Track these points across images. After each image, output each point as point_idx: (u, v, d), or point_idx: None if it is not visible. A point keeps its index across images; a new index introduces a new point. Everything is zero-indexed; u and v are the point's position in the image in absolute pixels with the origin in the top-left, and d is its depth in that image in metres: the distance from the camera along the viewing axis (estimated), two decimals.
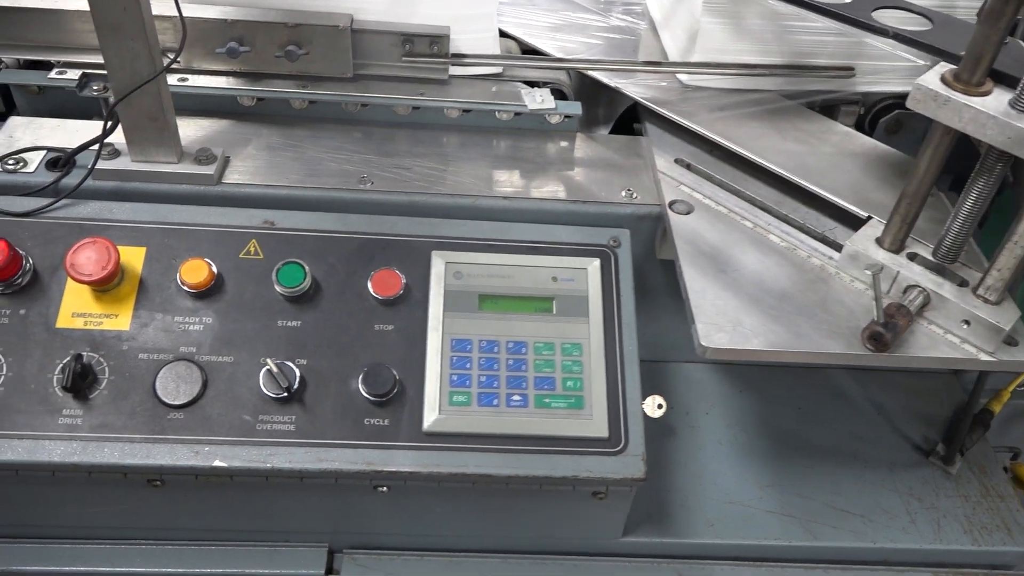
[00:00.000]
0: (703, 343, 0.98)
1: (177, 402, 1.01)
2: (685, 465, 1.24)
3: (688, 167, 1.25)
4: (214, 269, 1.08)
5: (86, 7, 1.01)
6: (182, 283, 1.06)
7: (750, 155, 1.22)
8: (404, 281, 1.09)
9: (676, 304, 1.28)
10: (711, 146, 1.26)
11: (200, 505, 1.07)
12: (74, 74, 1.23)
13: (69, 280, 1.04)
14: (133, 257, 1.09)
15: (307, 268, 1.07)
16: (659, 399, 1.10)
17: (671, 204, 1.17)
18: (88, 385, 1.01)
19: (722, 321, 1.01)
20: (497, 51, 1.31)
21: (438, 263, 1.12)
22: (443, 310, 1.09)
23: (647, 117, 1.33)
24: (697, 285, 1.05)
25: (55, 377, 1.01)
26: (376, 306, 1.09)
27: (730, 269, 1.08)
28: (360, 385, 1.03)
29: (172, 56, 1.09)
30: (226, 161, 1.19)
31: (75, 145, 1.16)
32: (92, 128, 1.22)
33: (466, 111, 1.29)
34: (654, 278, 1.24)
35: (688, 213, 1.16)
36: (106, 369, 1.02)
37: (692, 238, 1.12)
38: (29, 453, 0.98)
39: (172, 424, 1.00)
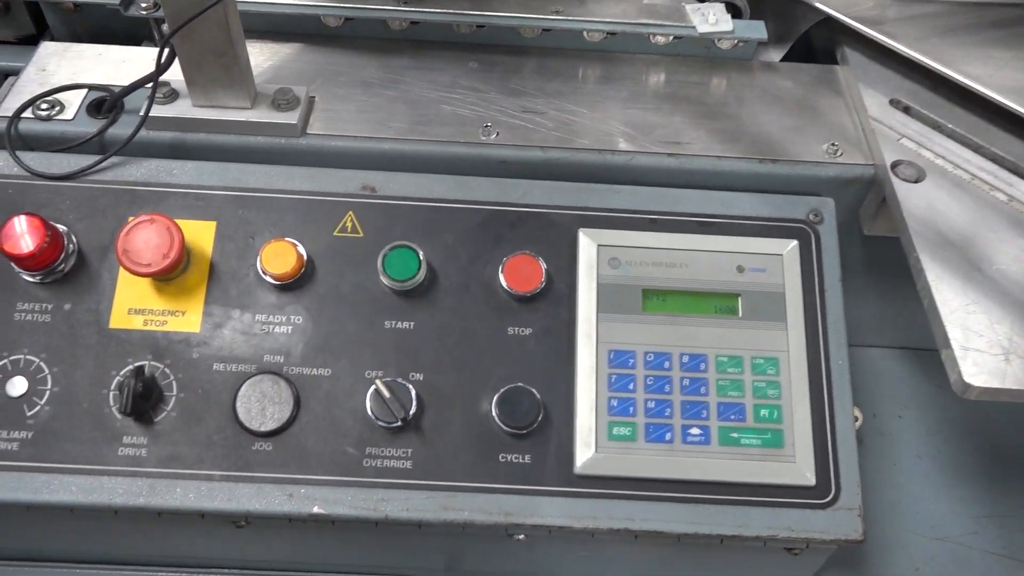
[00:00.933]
0: (968, 381, 0.72)
1: (264, 428, 0.79)
2: (878, 487, 1.00)
3: (908, 111, 0.95)
4: (302, 252, 0.84)
5: None
6: (263, 272, 0.83)
7: (996, 96, 0.91)
8: (545, 270, 0.84)
9: (866, 278, 1.01)
10: (938, 81, 0.95)
11: (292, 543, 0.87)
12: None
13: (120, 267, 0.81)
14: (200, 234, 0.85)
15: (421, 254, 0.83)
16: (854, 410, 0.85)
17: (894, 167, 0.88)
18: (153, 405, 0.80)
19: (986, 345, 0.74)
20: None
21: (588, 246, 0.86)
22: (596, 310, 0.84)
23: (846, 39, 1.02)
24: (945, 290, 0.78)
25: (111, 393, 0.80)
26: (510, 304, 0.84)
27: (985, 264, 0.80)
28: (494, 411, 0.80)
29: None
30: (311, 104, 0.93)
31: (122, 83, 0.91)
32: (142, 57, 0.97)
33: (611, 34, 0.99)
34: (852, 256, 0.97)
35: (918, 180, 0.87)
36: (173, 384, 0.81)
37: (928, 218, 0.84)
38: (85, 493, 0.78)
39: (258, 457, 0.79)
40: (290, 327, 0.83)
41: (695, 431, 0.80)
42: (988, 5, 1.00)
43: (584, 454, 0.79)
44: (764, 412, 0.81)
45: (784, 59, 1.07)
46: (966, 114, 0.94)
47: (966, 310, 0.77)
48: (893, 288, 1.01)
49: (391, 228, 0.86)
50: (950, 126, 0.92)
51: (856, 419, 0.85)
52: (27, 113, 0.90)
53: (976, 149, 0.91)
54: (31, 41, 1.01)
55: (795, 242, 0.87)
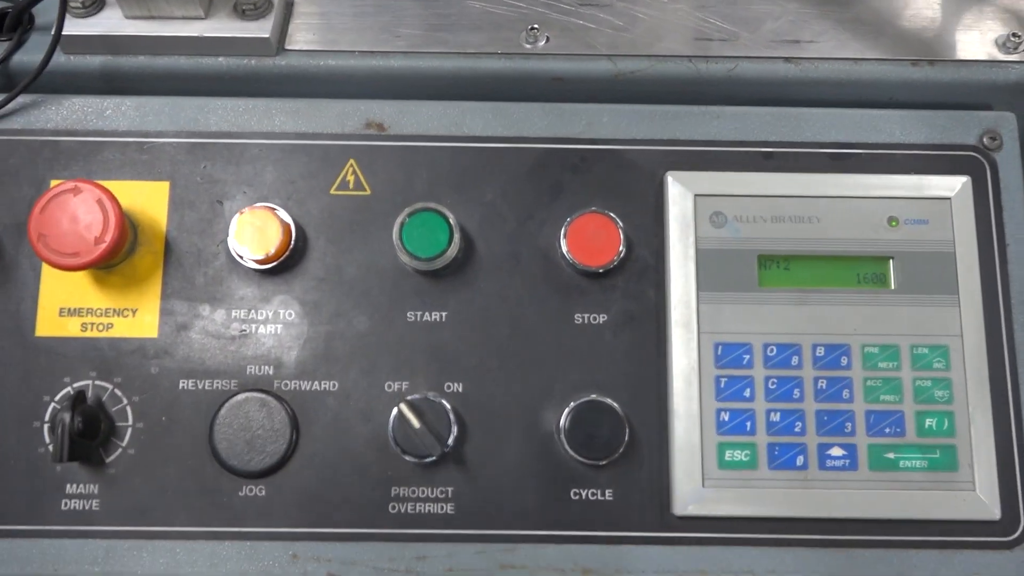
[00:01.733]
0: None
1: (253, 467, 0.59)
2: None
3: None
4: (289, 221, 0.61)
5: None
6: (239, 250, 0.60)
7: None
8: (623, 233, 0.61)
9: None
10: None
11: None
12: None
13: (38, 254, 0.59)
14: (149, 201, 0.62)
15: (452, 219, 0.60)
16: None
17: None
18: (102, 441, 0.59)
19: None
20: None
21: (681, 196, 0.62)
22: (696, 288, 0.61)
23: None
24: None
25: (45, 427, 0.60)
26: (577, 282, 0.62)
27: None
28: (562, 433, 0.59)
29: None
30: (289, 7, 0.67)
31: None
32: None
33: None
34: None
35: None
36: (128, 411, 0.60)
37: None
38: (21, 564, 0.58)
39: (248, 507, 0.59)
40: (279, 326, 0.61)
41: (836, 452, 0.59)
42: None
43: (686, 489, 0.58)
44: (930, 423, 0.59)
45: None
46: None
47: None
48: None
49: (409, 183, 0.63)
50: None
51: None
52: None
53: None
54: None
55: (966, 179, 0.63)
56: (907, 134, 0.64)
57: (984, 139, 0.64)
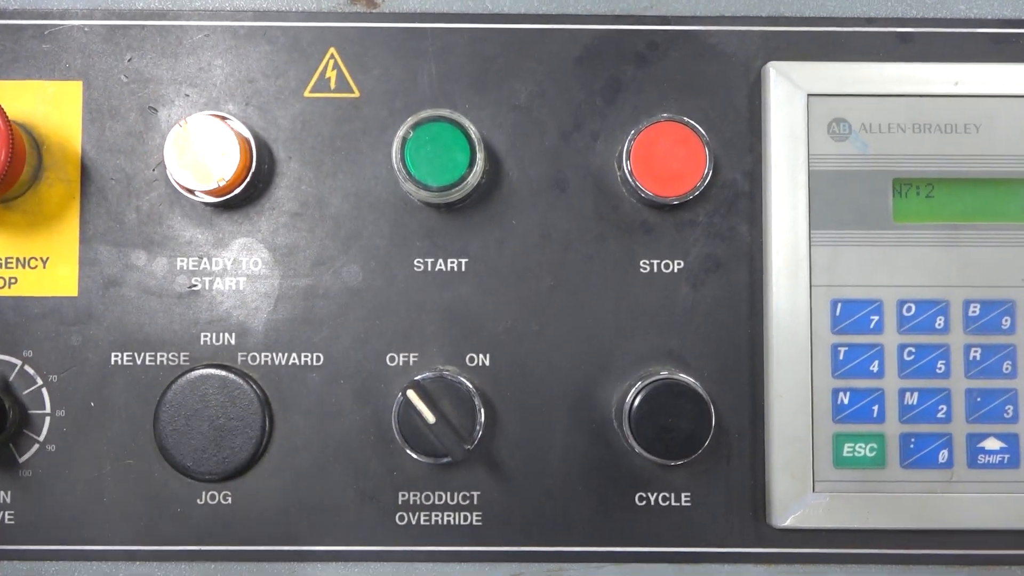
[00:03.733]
0: None
1: (213, 467, 0.44)
2: None
3: None
4: (247, 137, 0.44)
5: None
6: (182, 177, 0.43)
7: None
8: (707, 150, 0.44)
9: None
10: None
11: None
12: None
13: None
14: (57, 109, 0.45)
15: (472, 132, 0.43)
16: None
17: None
18: (12, 436, 0.45)
19: None
20: None
21: (788, 96, 0.45)
22: (809, 224, 0.45)
23: None
24: None
25: None
26: (645, 216, 0.45)
27: None
28: (625, 422, 0.44)
29: None
30: None
31: None
32: None
33: None
34: None
35: None
36: (44, 394, 0.45)
37: None
38: None
39: (209, 519, 0.45)
40: (241, 279, 0.45)
41: (992, 445, 0.44)
42: None
43: (789, 494, 0.44)
44: None
45: None
46: None
47: None
48: None
49: (412, 80, 0.46)
50: None
51: None
52: None
53: None
54: None
55: None
56: None
57: None
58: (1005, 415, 0.44)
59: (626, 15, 0.46)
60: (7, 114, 0.41)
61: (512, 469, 0.45)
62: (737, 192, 0.46)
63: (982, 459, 0.44)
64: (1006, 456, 0.44)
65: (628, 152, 0.44)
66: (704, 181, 0.44)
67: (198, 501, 0.45)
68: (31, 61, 0.45)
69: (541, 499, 0.45)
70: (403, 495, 0.45)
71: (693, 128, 0.44)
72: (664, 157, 0.44)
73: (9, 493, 0.45)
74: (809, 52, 0.46)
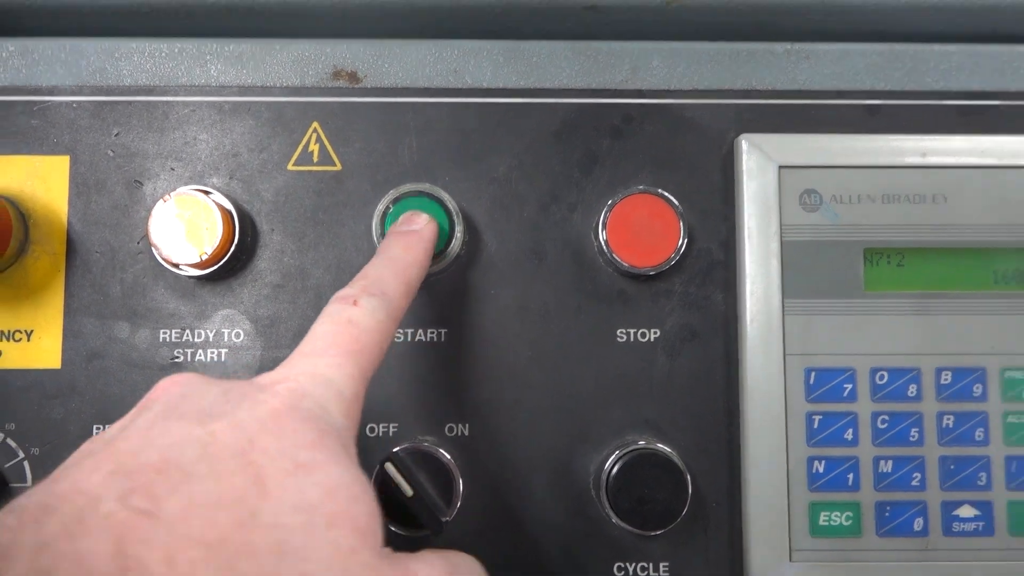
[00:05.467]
0: None
1: None
2: None
3: None
4: (230, 210, 0.45)
5: None
6: (165, 253, 0.44)
7: None
8: (681, 222, 0.45)
9: None
10: None
11: None
12: None
13: None
14: (44, 183, 0.46)
15: (451, 204, 0.44)
16: None
17: None
18: None
19: None
20: None
21: (760, 168, 0.46)
22: (781, 293, 0.45)
23: None
24: None
25: None
26: (620, 285, 0.46)
27: None
28: (603, 492, 0.44)
29: None
30: None
31: None
32: None
33: None
34: None
35: None
36: (26, 468, 0.45)
37: None
38: None
39: None
40: (224, 351, 0.46)
41: (967, 512, 0.45)
42: None
43: (767, 563, 0.44)
44: None
45: None
46: None
47: None
48: None
49: (393, 154, 0.47)
50: None
51: None
52: None
53: None
54: None
55: None
56: None
57: None
58: (979, 482, 0.45)
59: (602, 89, 0.48)
60: (6, 197, 0.42)
61: (490, 539, 0.45)
62: (712, 262, 0.46)
63: (957, 527, 0.45)
64: (981, 524, 0.45)
65: (604, 223, 0.45)
66: (679, 252, 0.45)
67: None
68: (19, 136, 0.46)
69: (520, 569, 0.45)
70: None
71: (667, 200, 0.45)
72: (639, 228, 0.45)
73: None
74: (780, 124, 0.47)
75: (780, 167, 0.46)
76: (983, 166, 0.46)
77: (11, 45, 0.47)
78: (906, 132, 0.47)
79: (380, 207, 0.44)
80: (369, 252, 0.46)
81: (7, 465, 0.45)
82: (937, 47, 0.48)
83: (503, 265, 0.46)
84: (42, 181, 0.46)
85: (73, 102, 0.47)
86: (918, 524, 0.45)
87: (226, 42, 0.48)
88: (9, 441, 0.45)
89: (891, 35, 0.48)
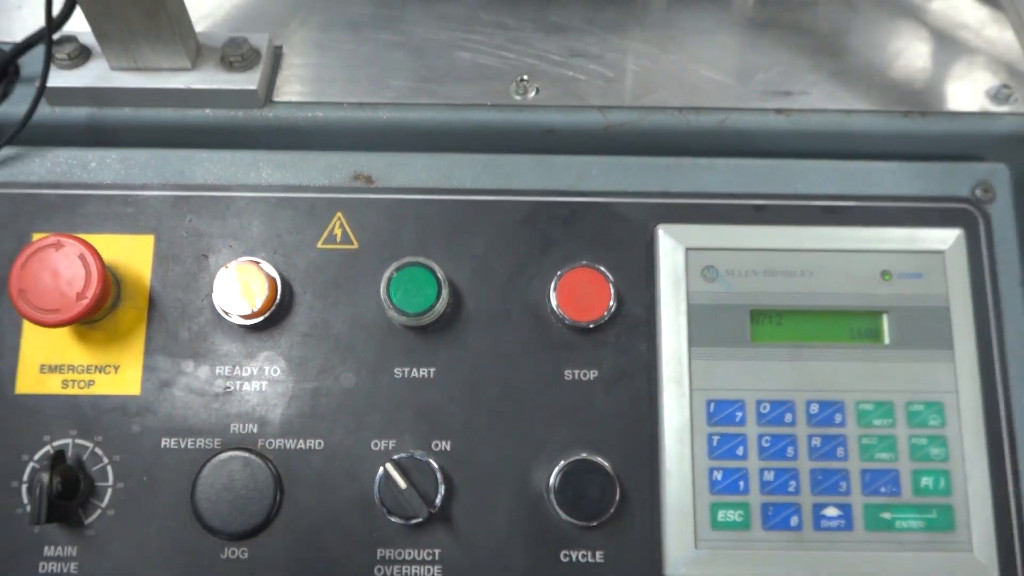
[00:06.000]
0: None
1: (235, 528, 0.57)
2: None
3: None
4: (275, 275, 0.60)
5: None
6: (223, 305, 0.59)
7: None
8: (613, 287, 0.60)
9: None
10: None
11: None
12: None
13: (18, 311, 0.58)
14: (133, 255, 0.61)
15: (440, 273, 0.59)
16: None
17: None
18: (81, 502, 0.58)
19: None
20: None
21: (672, 250, 0.61)
22: (688, 343, 0.60)
23: None
24: None
25: (24, 487, 0.58)
26: (567, 337, 0.61)
27: None
28: (551, 494, 0.57)
29: None
30: (277, 58, 0.67)
31: (15, 37, 0.66)
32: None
33: None
34: None
35: None
36: (109, 470, 0.59)
37: None
38: None
39: (231, 570, 0.58)
40: (264, 383, 0.60)
41: (831, 512, 0.58)
42: None
43: (678, 550, 0.57)
44: (926, 481, 0.58)
45: None
46: None
47: None
48: None
49: (397, 236, 0.62)
50: None
51: None
52: None
53: None
54: None
55: (959, 232, 0.62)
56: (899, 186, 0.64)
57: (977, 191, 0.64)
58: (840, 489, 0.58)
59: (555, 190, 0.63)
60: (102, 259, 0.57)
61: (466, 532, 0.58)
62: (637, 319, 0.61)
63: (824, 523, 0.58)
64: (842, 521, 0.58)
65: (555, 289, 0.60)
66: (611, 311, 0.60)
67: (221, 555, 0.58)
68: (118, 220, 0.62)
69: (488, 556, 0.58)
70: (381, 552, 0.58)
71: (603, 272, 0.61)
72: (582, 293, 0.60)
73: (76, 548, 0.58)
74: (688, 217, 0.63)
75: (687, 249, 0.61)
76: (841, 250, 0.62)
77: (114, 154, 0.63)
78: (783, 224, 0.63)
79: (386, 274, 0.59)
80: (378, 308, 0.60)
81: (94, 468, 0.58)
82: (807, 162, 0.64)
83: (479, 320, 0.61)
84: (133, 253, 0.61)
85: (158, 196, 0.62)
86: (794, 521, 0.58)
87: (273, 153, 0.64)
88: (97, 450, 0.59)
89: (772, 153, 0.65)
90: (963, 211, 0.63)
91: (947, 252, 0.62)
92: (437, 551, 0.58)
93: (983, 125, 0.65)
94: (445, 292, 0.59)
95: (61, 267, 0.57)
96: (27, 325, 0.60)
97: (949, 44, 0.70)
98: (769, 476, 0.58)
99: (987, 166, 0.64)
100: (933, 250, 0.62)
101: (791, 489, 0.58)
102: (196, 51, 0.64)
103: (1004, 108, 0.66)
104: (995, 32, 0.70)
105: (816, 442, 0.59)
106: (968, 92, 0.67)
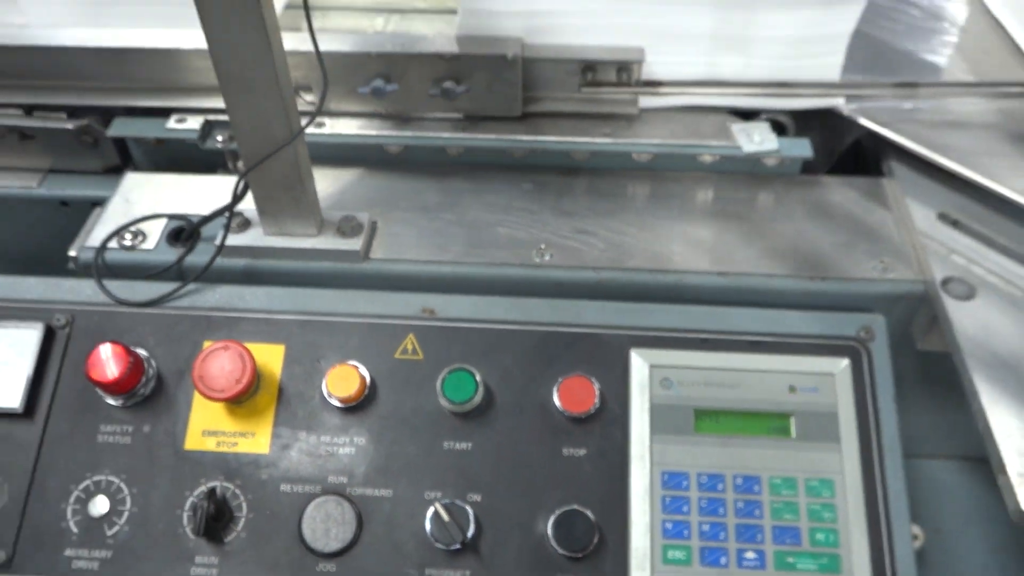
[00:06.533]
0: None
1: (328, 549, 0.82)
2: None
3: (957, 225, 0.96)
4: (365, 375, 0.88)
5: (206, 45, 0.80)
6: (328, 394, 0.87)
7: None
8: (598, 391, 0.87)
9: (923, 389, 1.01)
10: (988, 195, 0.97)
11: None
12: (195, 122, 1.05)
13: (196, 391, 0.86)
14: (270, 358, 0.90)
15: (478, 376, 0.86)
16: (914, 528, 0.85)
17: (944, 284, 0.89)
18: (224, 526, 0.84)
19: None
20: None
21: (640, 366, 0.88)
22: (650, 431, 0.85)
23: (892, 152, 1.04)
24: (1001, 413, 0.78)
25: (185, 514, 0.84)
26: (565, 425, 0.87)
27: None
28: (550, 533, 0.81)
29: (313, 114, 0.88)
30: (373, 229, 0.98)
31: (200, 211, 0.98)
32: (218, 185, 1.04)
33: (659, 154, 1.03)
34: (908, 368, 0.97)
35: (970, 298, 0.88)
36: (243, 505, 0.84)
37: (982, 337, 0.84)
38: None
39: None
40: (353, 448, 0.86)
41: (750, 555, 0.81)
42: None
43: None
44: (820, 536, 0.81)
45: (831, 170, 1.10)
46: (1018, 228, 0.94)
47: (1023, 433, 0.77)
48: (952, 399, 1.00)
49: (450, 350, 0.90)
50: (1002, 241, 0.93)
51: (916, 538, 0.84)
52: (112, 243, 0.97)
53: None
54: (116, 171, 1.09)
55: (847, 361, 0.88)
56: (805, 328, 0.90)
57: (861, 333, 0.89)
58: (757, 539, 0.81)
59: (560, 323, 0.91)
60: (254, 359, 0.86)
61: (489, 559, 0.82)
62: (615, 414, 0.87)
63: (744, 563, 0.80)
64: (758, 562, 0.80)
65: (557, 390, 0.86)
66: (596, 407, 0.86)
67: (317, 568, 0.82)
68: (262, 334, 0.90)
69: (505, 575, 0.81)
70: (428, 571, 0.82)
71: (591, 380, 0.87)
72: (576, 394, 0.86)
73: (217, 559, 0.83)
74: (653, 344, 0.89)
75: (651, 366, 0.88)
76: (761, 370, 0.87)
77: (261, 290, 0.93)
78: (721, 352, 0.89)
79: (441, 375, 0.86)
80: (434, 401, 0.87)
81: (234, 503, 0.84)
82: (739, 309, 0.91)
83: (504, 410, 0.87)
84: (270, 356, 0.90)
85: (289, 319, 0.91)
86: (723, 560, 0.80)
87: (368, 292, 0.93)
88: (236, 490, 0.85)
89: (714, 302, 0.92)
90: (850, 347, 0.89)
91: (837, 375, 0.87)
92: (468, 572, 0.82)
93: (866, 287, 0.92)
94: (481, 390, 0.86)
95: (227, 362, 0.85)
96: (196, 400, 0.88)
97: (845, 228, 0.98)
98: (705, 527, 0.82)
99: (869, 316, 0.91)
100: (827, 372, 0.87)
101: (721, 538, 0.81)
102: (320, 223, 0.95)
103: (882, 276, 0.93)
104: (878, 219, 0.98)
105: (740, 504, 0.82)
106: (857, 263, 0.94)
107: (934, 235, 0.94)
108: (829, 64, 1.03)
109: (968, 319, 0.86)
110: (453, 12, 1.04)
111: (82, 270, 0.96)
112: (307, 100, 1.05)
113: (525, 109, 1.02)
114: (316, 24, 0.91)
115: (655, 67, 1.02)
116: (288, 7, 1.16)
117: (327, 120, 1.04)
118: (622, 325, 0.91)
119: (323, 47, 0.85)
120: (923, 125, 1.02)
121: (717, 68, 1.04)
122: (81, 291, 0.93)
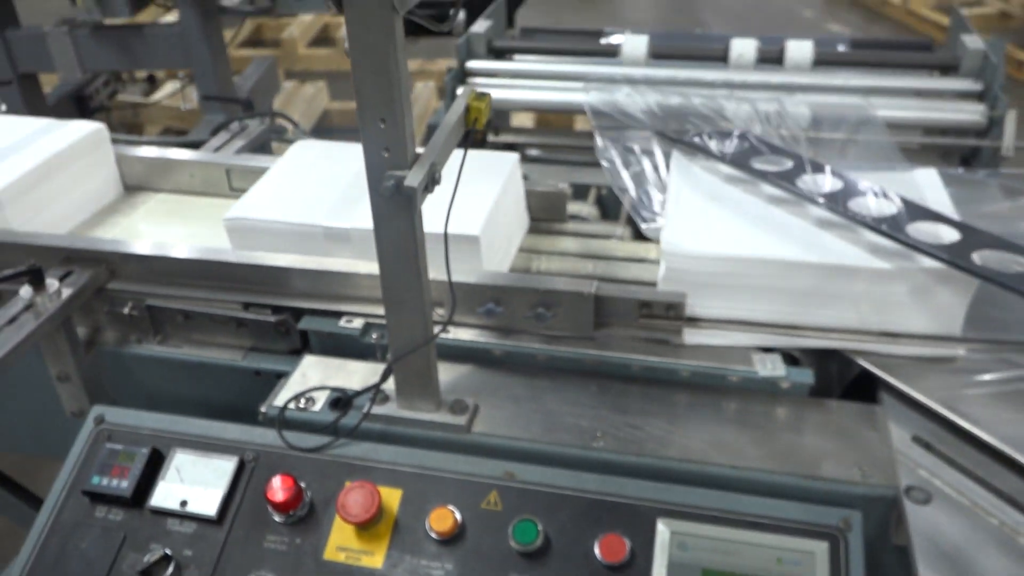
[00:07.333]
0: None
1: None
2: None
3: (928, 447, 1.22)
4: (458, 518, 1.19)
5: (374, 271, 1.20)
6: (430, 529, 1.18)
7: (1000, 445, 1.17)
8: (629, 547, 1.14)
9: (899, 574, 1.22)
10: (955, 426, 1.23)
11: None
12: (359, 323, 1.45)
13: (337, 516, 1.19)
14: (391, 498, 1.23)
15: (540, 526, 1.16)
16: None
17: (907, 491, 1.14)
18: None
19: None
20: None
21: (663, 531, 1.16)
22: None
23: (883, 385, 1.32)
24: None
25: None
26: (601, 570, 1.14)
27: None
28: None
29: (443, 324, 1.26)
30: (476, 410, 1.33)
31: (354, 387, 1.36)
32: (368, 370, 1.42)
33: (696, 372, 1.35)
34: (887, 561, 1.20)
35: (926, 503, 1.13)
36: None
37: (931, 534, 1.08)
38: None
39: None
40: (443, 572, 1.16)
41: None
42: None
43: None
44: None
45: (844, 394, 1.38)
46: (975, 453, 1.19)
47: None
48: None
49: (522, 505, 1.20)
50: (960, 462, 1.18)
51: None
52: (290, 405, 1.35)
53: (979, 481, 1.15)
54: (297, 352, 1.50)
55: (826, 544, 1.13)
56: (797, 516, 1.15)
57: (840, 523, 1.14)
58: None
59: (606, 492, 1.20)
60: (381, 496, 1.19)
61: None
62: (641, 567, 1.13)
63: None
64: None
65: (598, 543, 1.15)
66: (626, 559, 1.13)
67: None
68: (388, 480, 1.24)
69: None
70: None
71: (625, 538, 1.15)
72: (611, 548, 1.14)
73: None
74: (676, 515, 1.17)
75: (672, 532, 1.15)
76: (754, 544, 1.13)
77: (387, 448, 1.28)
78: (728, 527, 1.15)
79: (512, 523, 1.16)
80: (506, 541, 1.17)
81: None
82: (742, 496, 1.18)
83: (557, 556, 1.16)
84: (391, 496, 1.22)
85: (407, 471, 1.25)
86: None
87: (467, 456, 1.26)
88: None
89: (724, 487, 1.20)
90: (831, 533, 1.14)
91: (818, 554, 1.12)
92: None
93: (847, 488, 1.18)
94: (541, 536, 1.15)
95: (362, 497, 1.19)
96: (336, 523, 1.21)
97: (838, 440, 1.25)
98: None
99: (848, 511, 1.15)
100: (810, 551, 1.12)
101: None
102: (439, 403, 1.31)
103: (862, 481, 1.18)
104: (866, 437, 1.25)
105: None
106: (844, 469, 1.20)
107: (907, 452, 1.20)
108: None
109: (923, 520, 1.10)
110: (642, 261, 1.56)
111: (268, 422, 1.34)
112: (439, 313, 1.44)
113: (596, 332, 1.38)
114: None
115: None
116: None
117: (452, 328, 1.43)
118: (653, 499, 1.19)
119: (456, 278, 1.25)
120: (911, 363, 1.31)
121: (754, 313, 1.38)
122: (266, 437, 1.30)
